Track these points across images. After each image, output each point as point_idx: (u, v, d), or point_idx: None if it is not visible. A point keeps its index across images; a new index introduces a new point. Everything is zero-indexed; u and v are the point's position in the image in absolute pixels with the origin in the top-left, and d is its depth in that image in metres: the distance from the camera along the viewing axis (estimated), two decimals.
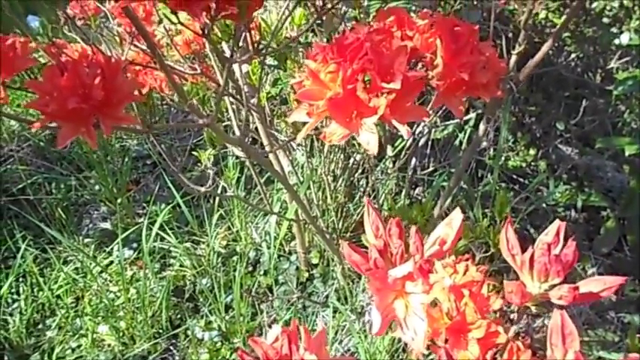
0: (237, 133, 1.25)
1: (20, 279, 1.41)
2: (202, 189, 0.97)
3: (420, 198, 1.57)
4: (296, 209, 1.21)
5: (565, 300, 0.41)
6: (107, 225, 1.58)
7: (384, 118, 0.48)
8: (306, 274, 1.36)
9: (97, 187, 1.69)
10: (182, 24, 0.70)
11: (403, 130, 0.48)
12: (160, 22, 1.27)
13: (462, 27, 0.57)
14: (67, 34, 2.47)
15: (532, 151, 1.49)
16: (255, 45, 0.64)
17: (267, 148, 1.16)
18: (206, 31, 0.63)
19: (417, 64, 0.58)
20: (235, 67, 1.10)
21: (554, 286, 0.43)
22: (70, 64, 0.57)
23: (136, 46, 0.95)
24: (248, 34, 0.66)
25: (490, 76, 0.60)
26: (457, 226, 0.44)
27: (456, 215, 0.44)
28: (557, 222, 0.47)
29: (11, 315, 1.36)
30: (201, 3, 0.55)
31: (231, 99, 1.12)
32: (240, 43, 0.79)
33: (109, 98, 0.57)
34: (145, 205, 1.63)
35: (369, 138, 0.49)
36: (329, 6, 0.75)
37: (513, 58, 0.83)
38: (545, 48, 0.88)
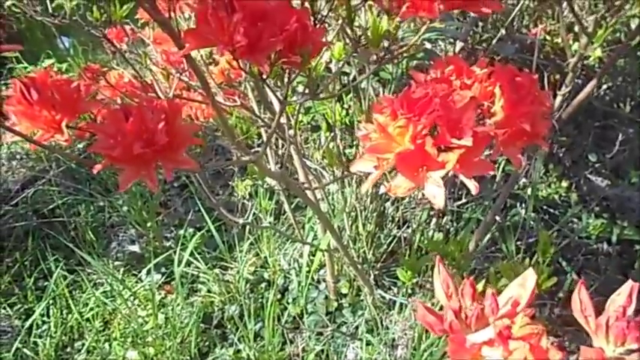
0: (272, 163, 1.26)
1: (50, 301, 1.42)
2: (240, 221, 0.98)
3: (448, 227, 1.55)
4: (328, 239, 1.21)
5: None
6: (135, 248, 1.59)
7: (452, 172, 0.48)
8: (335, 304, 1.35)
9: (125, 209, 1.70)
10: (242, 69, 0.71)
11: (471, 185, 0.48)
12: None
13: (522, 77, 0.58)
14: (98, 56, 2.51)
15: (564, 183, 1.48)
16: (312, 87, 0.65)
17: (301, 177, 1.16)
18: (264, 76, 0.64)
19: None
20: (274, 100, 1.12)
21: (632, 351, 0.42)
22: (134, 109, 0.58)
23: (181, 79, 0.97)
24: (307, 78, 0.66)
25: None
26: (531, 287, 0.43)
27: (530, 276, 0.44)
28: (629, 283, 0.46)
29: (40, 337, 1.37)
30: (265, 52, 0.56)
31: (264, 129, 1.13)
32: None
33: (170, 142, 0.58)
34: (173, 228, 1.64)
35: (435, 192, 0.49)
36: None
37: (559, 99, 0.83)
38: (588, 88, 0.88)
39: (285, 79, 0.72)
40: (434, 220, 1.47)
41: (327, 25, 0.67)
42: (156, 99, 0.86)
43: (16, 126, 0.61)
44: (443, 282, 0.45)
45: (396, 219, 1.43)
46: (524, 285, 0.44)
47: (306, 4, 0.64)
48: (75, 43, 2.48)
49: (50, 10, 0.87)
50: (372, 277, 1.33)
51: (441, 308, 1.08)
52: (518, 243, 1.33)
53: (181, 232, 1.58)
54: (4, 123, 0.61)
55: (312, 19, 0.65)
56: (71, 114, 0.60)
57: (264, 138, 1.11)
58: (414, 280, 1.11)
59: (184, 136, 0.60)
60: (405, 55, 0.63)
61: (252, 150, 1.53)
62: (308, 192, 1.18)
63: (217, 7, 0.55)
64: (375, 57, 1.33)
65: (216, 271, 1.45)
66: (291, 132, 1.12)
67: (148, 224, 1.55)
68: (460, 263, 1.02)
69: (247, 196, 1.36)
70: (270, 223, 1.38)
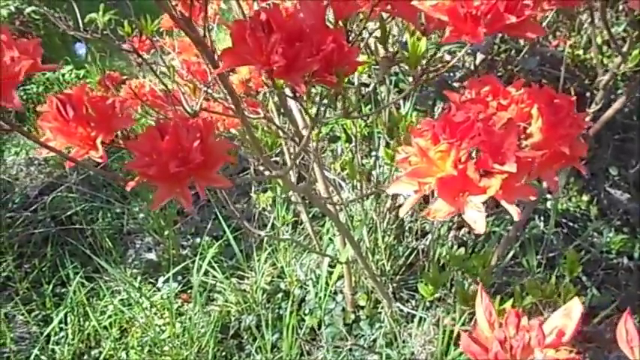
0: (293, 175, 1.26)
1: (67, 308, 1.43)
2: (262, 233, 0.98)
3: (465, 239, 1.54)
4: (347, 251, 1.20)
5: None
6: (152, 256, 1.59)
7: (493, 197, 0.48)
8: (353, 316, 1.34)
9: (141, 216, 1.71)
10: (265, 83, 0.71)
11: (513, 210, 0.48)
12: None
13: (560, 99, 0.57)
14: (115, 62, 2.53)
15: (585, 197, 1.46)
16: (346, 106, 0.65)
17: (322, 189, 1.16)
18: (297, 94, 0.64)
19: None
20: (295, 112, 1.12)
21: None
22: (170, 127, 0.58)
23: (207, 93, 0.97)
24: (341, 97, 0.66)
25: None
26: (577, 317, 0.43)
27: (575, 306, 0.43)
28: None
29: (58, 344, 1.38)
30: (301, 72, 0.56)
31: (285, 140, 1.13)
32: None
33: (205, 161, 0.58)
34: (189, 237, 1.64)
35: (475, 217, 0.48)
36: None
37: (588, 118, 0.83)
38: (617, 105, 0.87)
39: (310, 94, 0.72)
40: (452, 232, 1.46)
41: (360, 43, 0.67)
42: (182, 111, 0.86)
43: (50, 141, 0.61)
44: (486, 310, 0.45)
45: (414, 230, 1.43)
46: (569, 315, 0.43)
47: (340, 23, 0.64)
48: (92, 49, 2.50)
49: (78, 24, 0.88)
50: (390, 289, 1.32)
51: (464, 324, 1.07)
52: (538, 257, 1.32)
53: (198, 240, 1.59)
54: (39, 139, 0.61)
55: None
56: (106, 131, 0.60)
57: (285, 149, 1.11)
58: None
59: (218, 154, 0.60)
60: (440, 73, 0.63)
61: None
62: (329, 205, 1.18)
63: (255, 27, 0.55)
64: (395, 68, 1.33)
65: (233, 280, 1.45)
66: (313, 144, 1.12)
67: (165, 232, 1.55)
68: (483, 279, 1.01)
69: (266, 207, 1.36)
70: (286, 233, 1.38)
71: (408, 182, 0.51)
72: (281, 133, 1.08)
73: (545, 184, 1.39)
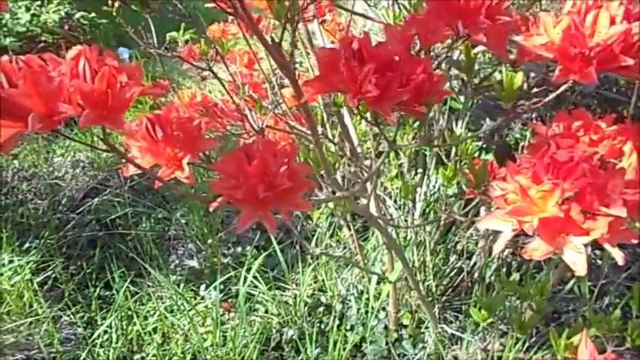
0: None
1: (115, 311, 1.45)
2: (318, 250, 0.98)
3: (510, 261, 1.52)
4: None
5: None
6: (194, 263, 1.61)
7: (596, 240, 0.47)
8: (395, 334, 1.33)
9: (183, 221, 1.73)
10: (337, 106, 0.71)
11: (617, 254, 0.47)
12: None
13: None
14: (158, 68, 2.58)
15: (638, 224, 1.42)
16: (428, 134, 0.64)
17: (373, 207, 1.15)
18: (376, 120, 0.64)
19: None
20: (351, 130, 1.12)
21: None
22: (256, 151, 0.59)
23: (266, 108, 0.98)
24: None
25: None
26: None
27: None
28: None
29: (102, 347, 1.40)
30: (392, 102, 0.57)
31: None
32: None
33: (291, 186, 0.58)
34: (230, 245, 1.65)
35: (576, 258, 0.47)
36: None
37: None
38: None
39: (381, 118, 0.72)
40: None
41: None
42: (247, 125, 0.87)
43: (136, 159, 0.63)
44: (590, 356, 0.44)
45: (458, 251, 1.41)
46: None
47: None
48: (136, 54, 2.55)
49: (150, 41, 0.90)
50: (435, 309, 1.31)
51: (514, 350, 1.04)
52: (589, 284, 1.29)
53: (239, 249, 1.60)
54: (127, 155, 0.62)
55: None
56: (192, 151, 0.62)
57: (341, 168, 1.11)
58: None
59: (301, 179, 0.60)
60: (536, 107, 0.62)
61: None
62: (380, 221, 1.18)
63: (349, 57, 0.56)
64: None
65: (275, 292, 1.45)
66: (367, 162, 1.12)
67: (209, 240, 1.57)
68: (540, 307, 0.99)
69: (311, 220, 1.37)
70: (331, 248, 1.38)
71: (504, 219, 0.50)
72: (334, 150, 1.08)
73: None
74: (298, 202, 0.60)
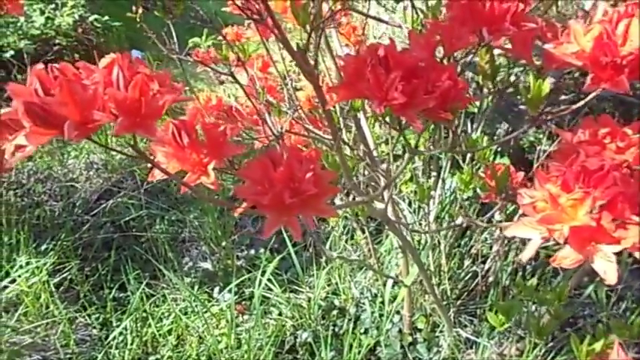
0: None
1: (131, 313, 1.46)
2: (334, 254, 0.98)
3: (524, 265, 1.51)
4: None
5: None
6: (208, 265, 1.62)
7: (626, 249, 0.47)
8: (410, 338, 1.33)
9: (196, 223, 1.74)
10: (355, 110, 0.71)
11: None
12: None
13: None
14: (172, 71, 2.60)
15: None
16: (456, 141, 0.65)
17: (389, 211, 1.15)
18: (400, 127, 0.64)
19: None
20: (367, 133, 1.12)
21: None
22: (281, 156, 0.59)
23: (285, 113, 0.98)
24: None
25: None
26: None
27: None
28: None
29: (117, 348, 1.41)
30: (417, 109, 0.57)
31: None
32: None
33: (317, 192, 0.58)
34: (244, 247, 1.66)
35: (606, 267, 0.47)
36: None
37: None
38: None
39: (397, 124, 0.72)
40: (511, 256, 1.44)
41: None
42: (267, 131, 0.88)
43: (162, 164, 0.63)
44: None
45: (473, 255, 1.41)
46: None
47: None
48: (149, 56, 2.57)
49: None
50: (450, 313, 1.30)
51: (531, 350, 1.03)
52: (605, 289, 1.28)
53: (252, 251, 1.61)
54: (153, 160, 0.63)
55: None
56: (218, 157, 0.62)
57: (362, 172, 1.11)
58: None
59: (326, 185, 0.61)
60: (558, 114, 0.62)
61: None
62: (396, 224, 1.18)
63: (375, 64, 0.56)
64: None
65: (288, 294, 1.45)
66: (384, 166, 1.12)
67: (223, 243, 1.57)
68: (558, 312, 0.98)
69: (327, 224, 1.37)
70: (345, 249, 1.38)
71: (533, 227, 0.50)
72: (351, 154, 1.09)
73: None
74: (323, 208, 0.60)
